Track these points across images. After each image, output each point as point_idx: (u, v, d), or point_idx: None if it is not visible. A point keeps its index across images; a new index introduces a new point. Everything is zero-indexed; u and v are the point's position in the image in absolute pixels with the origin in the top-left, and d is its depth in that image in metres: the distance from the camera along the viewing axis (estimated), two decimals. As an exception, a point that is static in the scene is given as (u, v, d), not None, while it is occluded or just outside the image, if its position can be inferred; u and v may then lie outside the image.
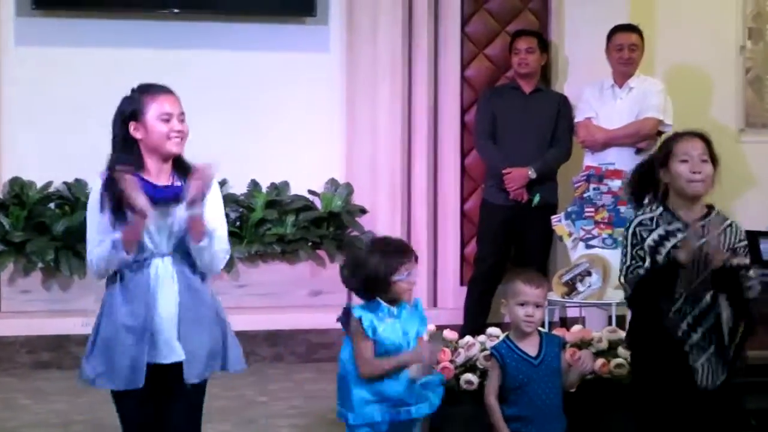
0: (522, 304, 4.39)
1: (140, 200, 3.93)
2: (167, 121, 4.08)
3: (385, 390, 4.25)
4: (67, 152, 7.88)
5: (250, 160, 7.89)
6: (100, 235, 4.06)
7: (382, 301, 4.28)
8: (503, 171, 7.36)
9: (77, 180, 7.84)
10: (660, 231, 4.34)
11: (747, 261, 4.36)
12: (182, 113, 4.13)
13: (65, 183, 7.85)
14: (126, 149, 4.10)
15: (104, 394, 6.47)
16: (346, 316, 4.29)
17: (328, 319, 7.75)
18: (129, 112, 4.10)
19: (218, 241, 4.11)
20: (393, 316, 4.28)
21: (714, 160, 4.38)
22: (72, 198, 7.78)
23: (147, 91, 4.13)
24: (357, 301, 4.33)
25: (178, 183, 4.12)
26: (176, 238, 4.09)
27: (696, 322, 4.33)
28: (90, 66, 7.95)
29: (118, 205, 4.01)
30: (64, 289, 7.69)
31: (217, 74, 7.99)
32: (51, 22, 7.94)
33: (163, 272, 4.08)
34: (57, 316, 7.52)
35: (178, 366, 4.07)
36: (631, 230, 4.41)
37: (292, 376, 7.15)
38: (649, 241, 4.34)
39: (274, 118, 8.17)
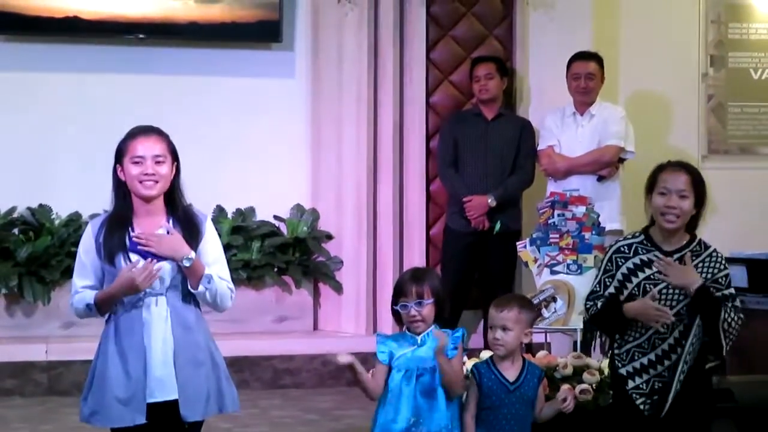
0: (491, 327, 4.43)
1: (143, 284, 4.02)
2: (138, 164, 4.11)
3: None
4: (31, 178, 7.85)
5: (216, 185, 7.87)
6: (81, 281, 4.15)
7: (407, 331, 4.38)
8: (464, 199, 7.39)
9: (41, 205, 7.80)
10: (635, 260, 4.37)
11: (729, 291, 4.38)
12: (159, 155, 4.13)
13: (29, 209, 7.81)
14: (118, 191, 4.17)
15: (67, 422, 6.45)
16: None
17: (293, 345, 7.86)
18: (116, 155, 4.17)
19: (220, 281, 4.18)
20: (415, 344, 4.33)
21: (700, 196, 4.36)
22: (36, 224, 7.74)
23: (130, 132, 4.18)
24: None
25: (172, 228, 4.16)
26: (169, 280, 4.14)
27: (643, 369, 4.37)
28: (54, 91, 7.93)
29: (110, 255, 4.10)
30: (28, 315, 7.64)
31: (182, 100, 7.98)
32: (14, 47, 7.91)
33: (157, 312, 4.13)
34: (20, 343, 7.47)
35: (172, 405, 4.10)
36: (608, 256, 4.45)
37: (257, 403, 7.11)
38: (623, 270, 4.38)
39: (240, 143, 8.16)
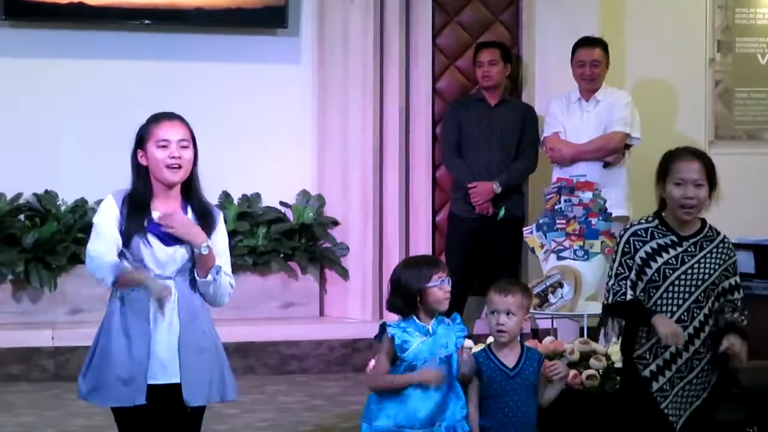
0: (493, 313, 4.41)
1: (139, 278, 4.03)
2: (164, 147, 4.11)
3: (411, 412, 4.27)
4: (37, 164, 7.85)
5: (222, 171, 7.83)
6: (102, 241, 4.10)
7: (416, 319, 4.31)
8: (468, 185, 7.38)
9: (47, 191, 7.80)
10: (652, 244, 4.38)
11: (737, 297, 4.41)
12: (183, 140, 4.14)
13: (35, 194, 7.81)
14: (138, 176, 4.15)
15: (73, 408, 6.46)
16: (381, 331, 4.32)
17: (299, 331, 7.87)
18: (138, 139, 4.16)
19: (224, 276, 4.18)
20: (427, 333, 4.30)
21: (712, 182, 4.38)
22: (42, 210, 7.74)
23: (154, 118, 4.18)
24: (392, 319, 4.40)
25: (188, 216, 4.17)
26: (180, 265, 4.14)
27: (666, 365, 4.36)
28: (60, 77, 7.92)
29: (128, 235, 4.09)
30: (34, 301, 7.65)
31: (188, 86, 7.96)
32: (21, 33, 7.89)
33: None
34: (26, 329, 7.48)
35: (175, 388, 4.11)
36: (624, 238, 4.43)
37: (263, 388, 7.12)
38: (641, 253, 4.38)
39: (246, 129, 8.15)
